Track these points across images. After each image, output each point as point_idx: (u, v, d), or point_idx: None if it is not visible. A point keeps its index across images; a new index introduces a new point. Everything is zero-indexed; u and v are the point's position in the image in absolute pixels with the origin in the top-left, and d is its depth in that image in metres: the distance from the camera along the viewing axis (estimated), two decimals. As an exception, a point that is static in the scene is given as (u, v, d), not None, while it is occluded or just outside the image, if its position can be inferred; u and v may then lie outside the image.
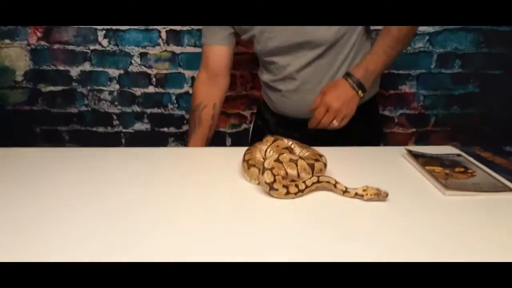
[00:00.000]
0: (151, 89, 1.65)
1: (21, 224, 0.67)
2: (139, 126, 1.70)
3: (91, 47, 1.58)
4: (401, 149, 1.01)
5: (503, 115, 1.67)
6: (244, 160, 0.86)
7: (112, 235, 0.65)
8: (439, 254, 0.61)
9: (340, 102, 1.04)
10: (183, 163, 0.98)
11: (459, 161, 0.95)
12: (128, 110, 1.68)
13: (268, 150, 0.88)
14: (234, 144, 1.74)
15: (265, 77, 1.24)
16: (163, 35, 1.57)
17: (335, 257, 0.59)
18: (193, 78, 1.61)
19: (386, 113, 1.70)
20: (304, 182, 0.78)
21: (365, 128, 1.21)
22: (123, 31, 1.56)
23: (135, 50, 1.59)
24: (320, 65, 1.13)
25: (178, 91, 1.65)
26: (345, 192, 0.78)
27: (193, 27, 1.55)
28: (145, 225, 0.68)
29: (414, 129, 1.73)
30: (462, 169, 0.90)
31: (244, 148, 0.91)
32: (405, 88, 1.67)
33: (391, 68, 1.60)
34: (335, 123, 1.06)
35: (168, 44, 1.58)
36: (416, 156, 0.96)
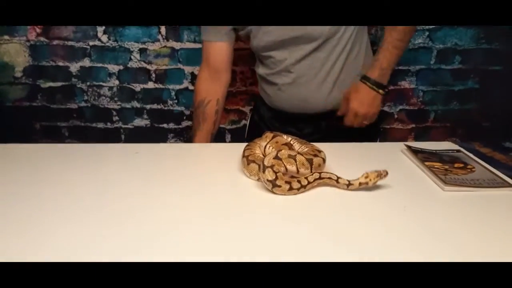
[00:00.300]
0: (150, 85, 1.64)
1: (20, 221, 0.67)
2: (138, 122, 1.70)
3: (91, 43, 1.58)
4: (401, 145, 1.01)
5: (503, 111, 1.67)
6: (243, 156, 0.86)
7: (111, 233, 0.65)
8: (438, 250, 0.61)
9: (365, 106, 1.12)
10: (182, 159, 0.98)
11: (458, 157, 0.95)
12: (128, 106, 1.68)
13: (268, 146, 0.88)
14: (234, 140, 1.74)
15: (261, 71, 1.24)
16: (163, 31, 1.57)
17: (335, 254, 0.60)
18: (192, 74, 1.61)
19: (386, 109, 1.70)
20: (306, 178, 0.78)
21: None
22: (123, 27, 1.55)
23: (135, 46, 1.59)
24: (317, 58, 1.14)
25: (177, 87, 1.65)
26: (349, 185, 0.78)
27: (192, 22, 1.55)
28: (144, 222, 0.68)
29: (413, 125, 1.73)
30: (461, 165, 0.90)
31: (244, 144, 0.91)
32: (405, 84, 1.67)
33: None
34: (366, 122, 1.16)
35: (167, 40, 1.58)
36: (415, 151, 0.96)
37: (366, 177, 0.78)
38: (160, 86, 1.65)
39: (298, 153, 0.82)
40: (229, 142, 1.74)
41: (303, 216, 0.71)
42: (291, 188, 0.77)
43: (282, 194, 0.77)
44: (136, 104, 1.67)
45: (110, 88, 1.64)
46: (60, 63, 1.60)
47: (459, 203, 0.76)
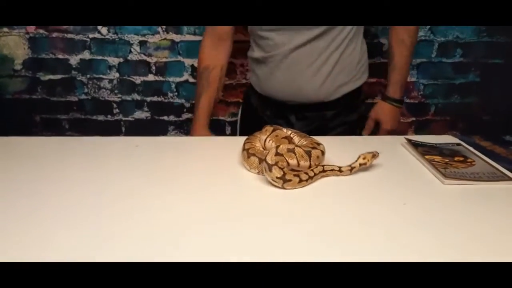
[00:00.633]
0: (150, 77, 1.64)
1: (19, 215, 0.67)
2: (139, 114, 1.70)
3: (91, 36, 1.57)
4: (401, 138, 1.01)
5: (504, 104, 1.66)
6: (244, 149, 0.86)
7: (111, 233, 0.64)
8: (438, 243, 0.61)
9: (395, 123, 1.33)
10: (183, 152, 0.98)
11: (458, 150, 0.95)
12: (128, 98, 1.67)
13: (267, 139, 0.88)
14: (234, 132, 1.74)
15: (256, 54, 1.24)
16: (163, 23, 1.56)
17: (333, 250, 0.60)
18: (192, 67, 1.61)
19: (386, 102, 1.70)
20: (312, 170, 0.80)
21: (350, 115, 1.26)
22: (122, 19, 1.55)
23: (135, 39, 1.58)
24: (315, 47, 1.14)
25: (177, 79, 1.65)
26: (352, 169, 0.83)
27: (192, 15, 1.54)
28: (145, 216, 0.68)
29: (414, 118, 1.73)
30: (461, 158, 0.90)
31: (244, 137, 0.91)
32: (406, 77, 1.66)
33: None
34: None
35: (167, 33, 1.57)
36: (415, 145, 0.96)
37: (364, 158, 0.84)
38: (160, 78, 1.64)
39: (296, 145, 0.82)
40: (229, 134, 1.74)
41: (303, 210, 0.71)
42: (300, 181, 0.77)
43: (292, 188, 0.77)
44: (136, 96, 1.67)
45: (110, 81, 1.64)
46: (60, 56, 1.59)
47: (459, 197, 0.76)
